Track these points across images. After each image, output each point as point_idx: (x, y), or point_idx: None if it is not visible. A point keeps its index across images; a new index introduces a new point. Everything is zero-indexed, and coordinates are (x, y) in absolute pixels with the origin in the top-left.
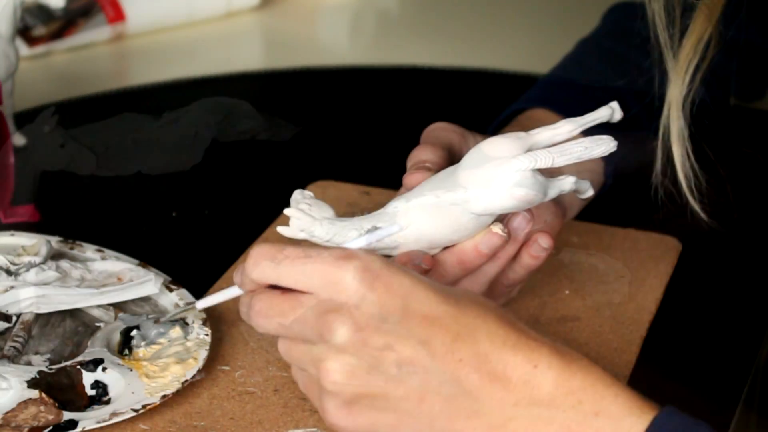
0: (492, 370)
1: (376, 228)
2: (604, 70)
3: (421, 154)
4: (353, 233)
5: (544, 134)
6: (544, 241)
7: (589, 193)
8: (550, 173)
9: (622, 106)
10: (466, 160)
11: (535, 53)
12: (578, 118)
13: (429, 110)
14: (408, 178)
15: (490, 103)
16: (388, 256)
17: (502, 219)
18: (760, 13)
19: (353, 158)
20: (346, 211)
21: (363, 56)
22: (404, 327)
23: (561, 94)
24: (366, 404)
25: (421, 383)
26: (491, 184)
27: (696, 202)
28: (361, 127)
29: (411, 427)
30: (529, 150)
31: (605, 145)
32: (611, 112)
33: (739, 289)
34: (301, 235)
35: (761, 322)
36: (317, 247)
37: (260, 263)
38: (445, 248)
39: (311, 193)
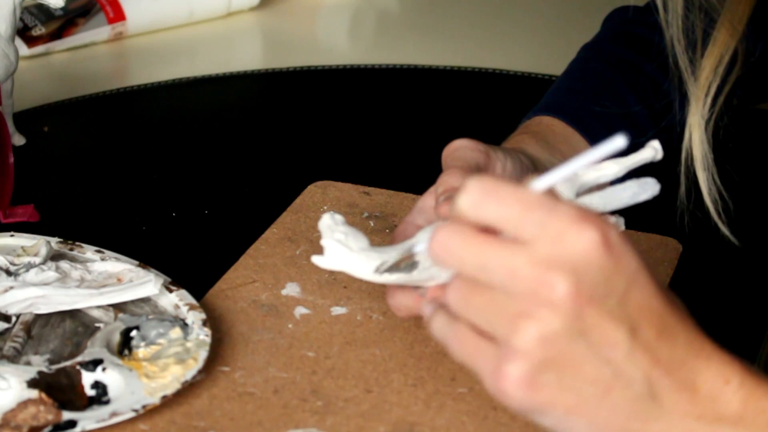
0: (683, 378)
1: (415, 261)
2: (607, 74)
3: (452, 180)
4: (392, 266)
5: (590, 175)
6: None
7: (621, 228)
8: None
9: (627, 108)
10: None
11: (535, 53)
12: (623, 159)
13: (429, 110)
14: (442, 209)
15: (490, 103)
16: (418, 288)
17: None
18: (760, 19)
19: (353, 158)
20: (346, 211)
21: (363, 56)
22: (621, 309)
23: (566, 100)
24: (552, 378)
25: (615, 371)
26: None
27: (725, 227)
28: (361, 127)
29: (587, 417)
30: (578, 191)
31: (651, 189)
32: (654, 152)
33: (739, 290)
34: (337, 267)
35: (761, 322)
36: (548, 197)
37: (480, 197)
38: None
39: (342, 217)
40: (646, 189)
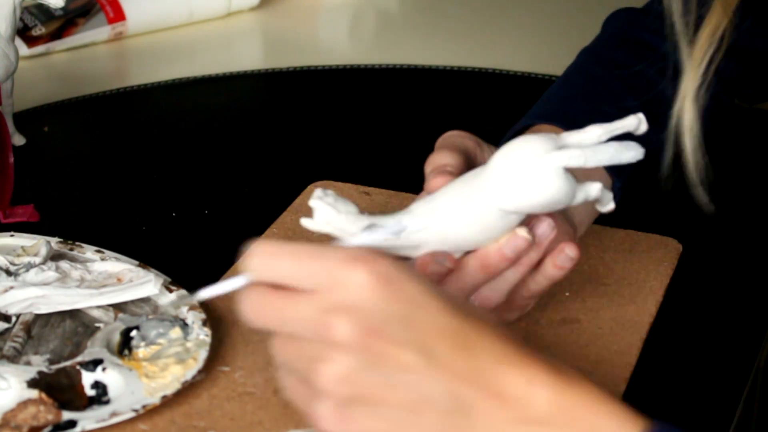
0: (488, 386)
1: (402, 225)
2: (607, 79)
3: (441, 158)
4: (380, 229)
5: (573, 137)
6: (571, 251)
7: (611, 205)
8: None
9: (627, 113)
10: (497, 156)
11: (535, 53)
12: (606, 124)
13: (429, 110)
14: (431, 182)
15: (489, 103)
16: (407, 258)
17: (526, 225)
18: (762, 17)
19: (353, 158)
20: None
21: (363, 56)
22: (406, 334)
23: (565, 107)
24: (359, 410)
25: (417, 393)
26: (524, 180)
27: (704, 194)
28: (361, 127)
29: None
30: (561, 149)
31: (634, 150)
32: (638, 122)
33: (739, 289)
34: (326, 228)
35: (761, 322)
36: (319, 247)
37: (262, 260)
38: (468, 252)
39: (332, 192)
40: (629, 149)
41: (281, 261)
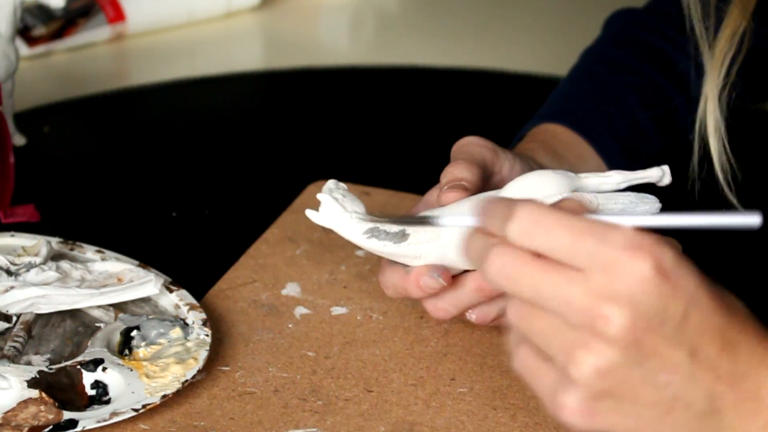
0: (747, 390)
1: (405, 234)
2: (610, 80)
3: (457, 171)
4: (381, 235)
5: (592, 180)
6: None
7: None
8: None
9: (632, 114)
10: (510, 189)
11: (535, 53)
12: (628, 173)
13: (429, 110)
14: (444, 196)
15: (490, 103)
16: (404, 266)
17: None
18: (763, 17)
19: (353, 158)
20: None
21: (363, 56)
22: (680, 333)
23: (572, 107)
24: (610, 405)
25: (675, 393)
26: None
27: (733, 195)
28: (361, 127)
29: None
30: (575, 191)
31: (649, 204)
32: (662, 174)
33: (740, 290)
34: (328, 224)
35: (761, 322)
36: (598, 224)
37: (527, 226)
38: (466, 271)
39: (345, 186)
40: (645, 202)
41: (553, 231)
